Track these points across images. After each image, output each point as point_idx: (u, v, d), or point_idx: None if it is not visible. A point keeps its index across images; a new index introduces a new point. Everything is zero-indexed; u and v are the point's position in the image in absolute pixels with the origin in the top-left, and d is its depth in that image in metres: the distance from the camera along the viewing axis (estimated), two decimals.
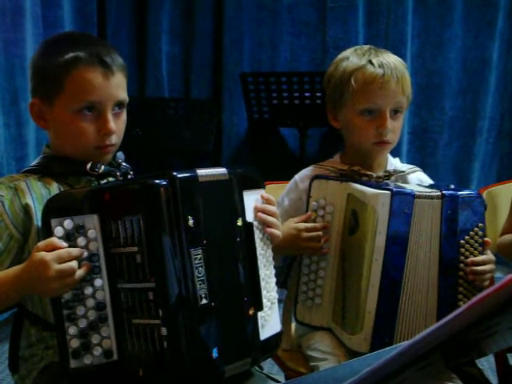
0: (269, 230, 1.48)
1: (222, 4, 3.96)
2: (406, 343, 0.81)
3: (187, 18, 3.98)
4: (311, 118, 3.59)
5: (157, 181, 1.27)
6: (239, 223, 1.40)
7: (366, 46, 1.82)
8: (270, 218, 1.48)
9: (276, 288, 1.51)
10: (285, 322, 1.75)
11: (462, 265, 1.66)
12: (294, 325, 1.88)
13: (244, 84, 3.73)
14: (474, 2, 3.92)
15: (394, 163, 1.88)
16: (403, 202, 1.61)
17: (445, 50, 3.93)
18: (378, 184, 1.69)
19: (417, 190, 1.67)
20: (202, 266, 1.30)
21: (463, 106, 3.98)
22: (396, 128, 1.77)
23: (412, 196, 1.62)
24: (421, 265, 1.64)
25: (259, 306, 1.42)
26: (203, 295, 1.29)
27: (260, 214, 1.46)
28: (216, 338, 1.32)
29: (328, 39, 3.91)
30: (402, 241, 1.62)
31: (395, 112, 1.76)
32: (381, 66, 1.73)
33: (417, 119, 3.98)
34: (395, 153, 3.76)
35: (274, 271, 1.50)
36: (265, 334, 1.44)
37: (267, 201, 1.49)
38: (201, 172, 1.34)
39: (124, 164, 1.53)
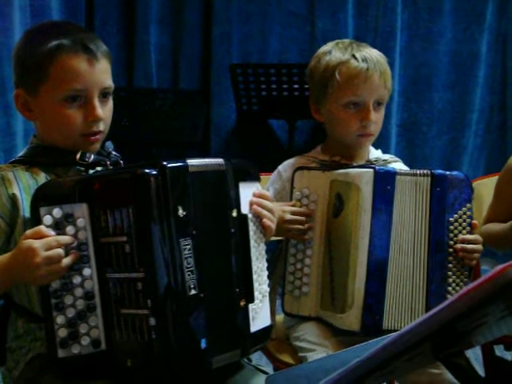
0: (264, 221, 1.48)
1: None
2: (394, 334, 0.81)
3: (176, 9, 3.96)
4: (300, 109, 3.57)
5: (147, 170, 1.27)
6: (234, 214, 1.40)
7: (347, 41, 1.86)
8: (264, 212, 1.48)
9: (268, 281, 1.51)
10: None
11: (451, 242, 1.72)
12: (282, 317, 1.89)
13: (233, 75, 3.71)
14: None
15: (376, 154, 1.92)
16: (385, 180, 1.68)
17: (434, 42, 3.94)
18: (360, 165, 1.76)
19: (399, 168, 1.75)
20: (191, 257, 1.29)
21: (452, 99, 3.99)
22: (378, 120, 1.82)
23: (393, 173, 1.69)
24: (406, 242, 1.70)
25: (251, 298, 1.42)
26: (192, 286, 1.29)
27: (255, 206, 1.46)
28: (204, 329, 1.31)
29: (317, 31, 3.91)
30: (386, 217, 1.68)
31: (378, 104, 1.81)
32: (364, 60, 1.77)
33: (406, 112, 3.99)
34: (384, 145, 3.79)
35: (266, 265, 1.50)
36: (255, 326, 1.44)
37: (263, 196, 1.50)
38: (192, 162, 1.34)
39: (114, 153, 1.52)
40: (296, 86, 3.60)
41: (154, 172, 1.27)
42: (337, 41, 1.86)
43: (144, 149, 3.79)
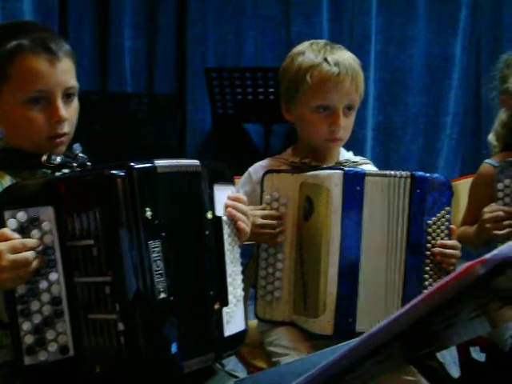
0: (239, 224, 1.46)
1: None
2: (364, 335, 0.79)
3: (150, 12, 3.94)
4: (275, 113, 3.55)
5: (114, 171, 1.25)
6: (208, 216, 1.38)
7: (322, 42, 1.84)
8: (239, 215, 1.47)
9: (242, 285, 1.50)
10: None
11: (429, 245, 1.70)
12: (255, 321, 1.87)
13: (208, 79, 3.70)
14: None
15: (347, 155, 1.91)
16: (355, 181, 1.67)
17: (408, 46, 3.96)
18: (329, 167, 1.75)
19: (372, 170, 1.76)
20: (160, 259, 1.27)
21: (427, 102, 4.01)
22: (348, 125, 1.81)
23: (363, 174, 1.68)
24: (379, 243, 1.69)
25: (225, 302, 1.41)
26: (162, 289, 1.27)
27: (230, 209, 1.45)
28: (175, 333, 1.29)
29: (292, 35, 3.91)
30: (356, 219, 1.67)
31: (348, 109, 1.79)
32: (336, 64, 1.75)
33: (381, 115, 4.00)
34: (360, 149, 3.79)
35: (241, 268, 1.49)
36: (229, 330, 1.42)
37: (238, 199, 1.49)
38: (160, 163, 1.33)
39: (81, 155, 1.49)
40: (271, 90, 3.59)
41: (121, 173, 1.25)
42: (312, 41, 1.84)
43: (119, 154, 3.75)
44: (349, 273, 1.66)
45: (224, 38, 3.96)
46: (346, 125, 1.79)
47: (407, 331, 0.73)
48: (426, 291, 1.64)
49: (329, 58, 1.76)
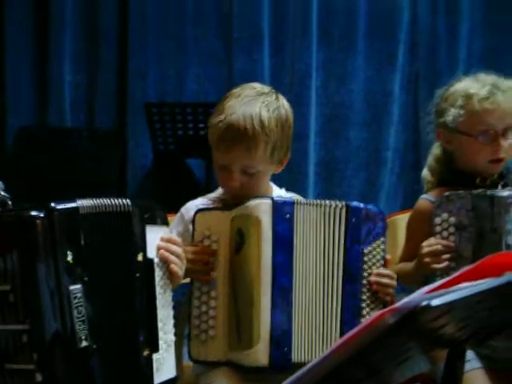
0: (171, 266, 1.44)
1: (126, 32, 3.89)
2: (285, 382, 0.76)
3: (91, 46, 3.90)
4: None
5: (33, 213, 1.21)
6: (139, 258, 1.35)
7: (253, 92, 1.74)
8: (172, 257, 1.44)
9: (174, 330, 1.47)
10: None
11: (365, 274, 1.71)
12: (191, 363, 1.82)
13: (149, 114, 3.67)
14: (375, 35, 4.00)
15: (279, 192, 1.88)
16: (284, 208, 1.67)
17: (348, 81, 3.99)
18: (258, 197, 1.71)
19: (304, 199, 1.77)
20: (82, 306, 1.22)
21: (368, 137, 4.03)
22: (249, 186, 1.73)
23: (292, 202, 1.68)
24: (313, 270, 1.68)
25: (155, 348, 1.37)
26: (83, 337, 1.22)
27: (162, 251, 1.42)
28: (101, 382, 1.24)
29: (234, 70, 3.91)
30: (287, 246, 1.66)
31: (244, 172, 1.72)
32: (228, 127, 1.67)
33: (323, 150, 4.01)
34: (302, 184, 3.77)
35: (172, 312, 1.46)
36: (159, 377, 1.39)
37: (171, 240, 1.46)
38: (84, 203, 1.30)
39: (2, 193, 1.44)
40: None
41: (41, 215, 1.20)
42: (245, 87, 1.76)
43: (56, 191, 3.68)
44: (282, 301, 1.64)
45: (165, 73, 3.93)
46: (245, 185, 1.72)
47: (324, 380, 0.70)
48: (363, 320, 1.66)
49: (227, 118, 1.68)
